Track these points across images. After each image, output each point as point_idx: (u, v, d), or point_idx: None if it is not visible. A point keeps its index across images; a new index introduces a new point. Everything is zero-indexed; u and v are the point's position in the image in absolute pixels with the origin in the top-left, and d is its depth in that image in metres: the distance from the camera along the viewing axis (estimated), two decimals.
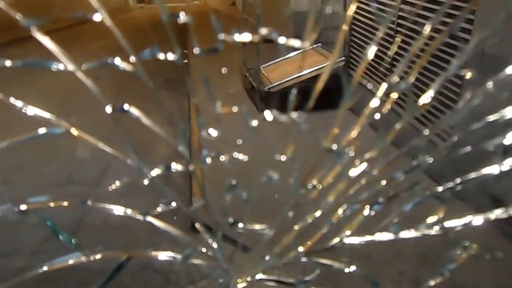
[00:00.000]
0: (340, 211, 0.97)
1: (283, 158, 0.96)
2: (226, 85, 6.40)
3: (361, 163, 0.92)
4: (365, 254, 2.04)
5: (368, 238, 0.98)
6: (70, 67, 0.80)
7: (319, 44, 6.59)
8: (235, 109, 0.94)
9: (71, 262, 0.92)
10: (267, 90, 5.86)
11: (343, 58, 6.04)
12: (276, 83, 5.81)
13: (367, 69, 5.55)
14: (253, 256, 1.02)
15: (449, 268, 0.98)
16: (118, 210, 1.04)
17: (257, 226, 1.00)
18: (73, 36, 9.94)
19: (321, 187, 0.96)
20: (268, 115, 0.89)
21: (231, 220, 0.97)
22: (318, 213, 0.98)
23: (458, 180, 0.90)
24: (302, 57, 6.41)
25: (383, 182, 0.92)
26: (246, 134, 0.92)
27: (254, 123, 0.89)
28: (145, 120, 0.86)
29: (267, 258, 1.02)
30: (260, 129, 0.90)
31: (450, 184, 0.94)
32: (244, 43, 6.65)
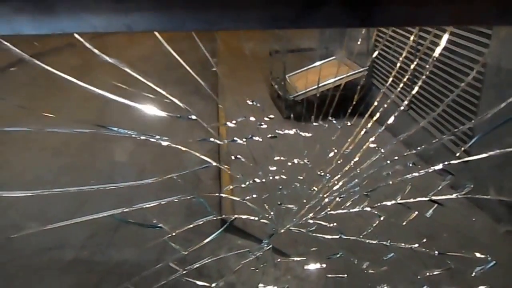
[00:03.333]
0: (325, 200, 2.29)
1: (301, 177, 2.29)
2: (253, 93, 6.30)
3: (332, 181, 2.23)
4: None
5: (338, 211, 2.30)
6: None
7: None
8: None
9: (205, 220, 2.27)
10: (293, 98, 6.27)
11: (367, 67, 6.34)
12: (301, 92, 6.18)
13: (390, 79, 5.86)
14: (288, 218, 2.36)
15: (372, 227, 2.29)
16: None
17: (290, 205, 2.34)
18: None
19: (317, 189, 2.29)
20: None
21: (279, 202, 2.33)
22: (315, 200, 2.30)
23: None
24: (327, 67, 6.66)
25: (343, 189, 2.24)
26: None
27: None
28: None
29: (294, 220, 2.36)
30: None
31: (372, 188, 2.23)
32: (270, 53, 7.34)
